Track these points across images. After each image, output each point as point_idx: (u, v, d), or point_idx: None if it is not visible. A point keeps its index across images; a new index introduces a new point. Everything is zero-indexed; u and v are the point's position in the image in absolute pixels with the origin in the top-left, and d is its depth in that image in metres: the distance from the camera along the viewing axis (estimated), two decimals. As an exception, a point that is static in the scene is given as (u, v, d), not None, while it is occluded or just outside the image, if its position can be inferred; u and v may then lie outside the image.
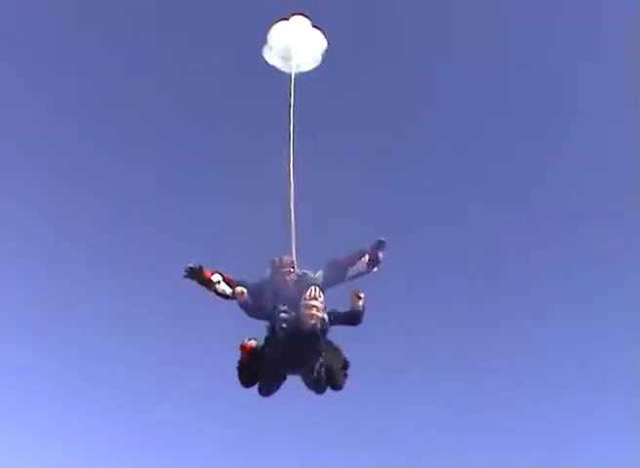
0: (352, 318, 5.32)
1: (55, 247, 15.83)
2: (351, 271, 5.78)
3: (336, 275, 5.75)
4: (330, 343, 5.41)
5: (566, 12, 15.15)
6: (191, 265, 5.52)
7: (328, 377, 5.37)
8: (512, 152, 16.29)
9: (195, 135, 15.85)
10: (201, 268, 5.54)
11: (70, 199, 15.60)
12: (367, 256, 5.76)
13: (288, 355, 5.20)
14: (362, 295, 5.22)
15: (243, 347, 5.40)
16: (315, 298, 5.08)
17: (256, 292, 5.54)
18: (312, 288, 5.18)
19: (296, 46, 6.05)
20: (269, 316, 5.38)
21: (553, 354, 15.12)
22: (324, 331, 5.23)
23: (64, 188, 15.68)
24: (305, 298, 5.08)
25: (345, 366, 5.51)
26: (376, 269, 5.80)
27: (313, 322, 5.06)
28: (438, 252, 15.93)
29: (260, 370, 5.38)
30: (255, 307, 5.49)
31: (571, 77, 15.49)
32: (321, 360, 5.29)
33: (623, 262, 14.99)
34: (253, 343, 5.45)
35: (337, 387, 5.49)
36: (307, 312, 5.04)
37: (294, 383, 5.48)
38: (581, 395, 14.86)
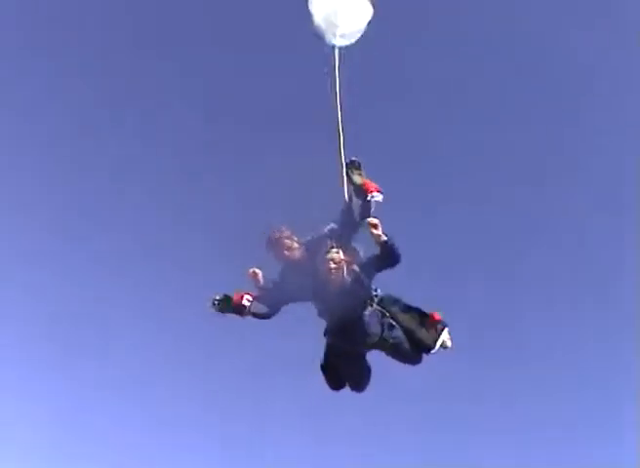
0: (383, 257, 4.72)
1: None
2: (356, 209, 5.10)
3: (347, 220, 5.09)
4: (394, 301, 4.94)
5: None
6: (217, 297, 4.94)
7: (411, 340, 4.81)
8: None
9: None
10: (228, 298, 4.96)
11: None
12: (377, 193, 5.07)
13: (342, 328, 4.76)
14: (375, 222, 4.64)
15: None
16: (327, 252, 4.73)
17: (274, 288, 5.09)
18: (328, 245, 4.82)
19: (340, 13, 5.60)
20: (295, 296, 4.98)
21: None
22: (361, 284, 4.77)
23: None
24: (325, 256, 4.73)
25: (431, 320, 4.89)
26: (378, 197, 4.99)
27: (334, 276, 4.69)
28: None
29: (336, 364, 4.93)
30: (277, 299, 5.07)
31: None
32: (389, 321, 4.80)
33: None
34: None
35: (428, 348, 4.83)
36: (325, 269, 4.70)
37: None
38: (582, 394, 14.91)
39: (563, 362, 15.05)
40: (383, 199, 4.96)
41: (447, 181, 16.33)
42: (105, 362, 14.81)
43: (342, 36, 5.66)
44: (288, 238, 5.06)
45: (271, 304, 5.06)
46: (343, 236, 5.01)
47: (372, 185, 4.99)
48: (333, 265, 4.69)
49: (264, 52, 15.84)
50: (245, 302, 4.89)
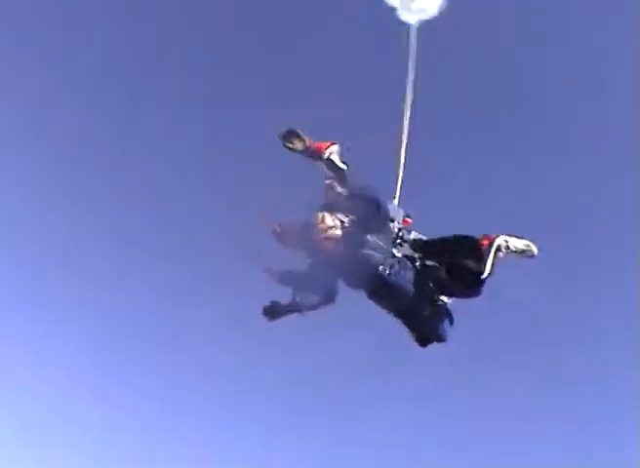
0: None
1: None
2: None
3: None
4: (424, 242, 4.77)
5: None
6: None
7: (456, 273, 4.53)
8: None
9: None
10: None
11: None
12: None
13: (374, 291, 4.64)
14: (332, 149, 4.62)
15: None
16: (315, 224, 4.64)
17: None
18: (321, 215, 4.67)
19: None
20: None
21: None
22: (361, 240, 4.57)
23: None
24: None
25: (480, 245, 4.49)
26: (334, 150, 4.70)
27: (328, 244, 4.58)
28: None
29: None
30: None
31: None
32: (420, 264, 4.64)
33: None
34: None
35: (478, 273, 4.41)
36: (319, 240, 4.60)
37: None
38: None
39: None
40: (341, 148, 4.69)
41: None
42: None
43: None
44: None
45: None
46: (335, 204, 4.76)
47: (320, 144, 4.65)
48: (323, 234, 4.58)
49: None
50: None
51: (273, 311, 4.86)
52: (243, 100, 16.14)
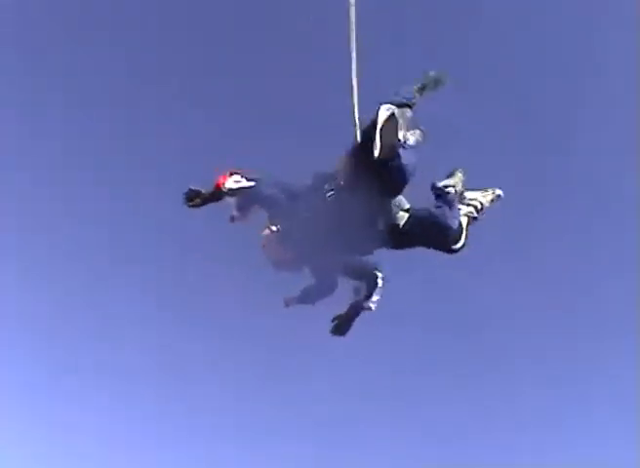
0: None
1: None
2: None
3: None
4: None
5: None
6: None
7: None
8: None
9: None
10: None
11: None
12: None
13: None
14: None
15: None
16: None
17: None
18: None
19: None
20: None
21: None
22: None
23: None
24: None
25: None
26: None
27: (269, 253, 4.33)
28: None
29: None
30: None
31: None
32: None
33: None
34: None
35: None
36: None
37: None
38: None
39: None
40: None
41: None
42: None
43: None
44: None
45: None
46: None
47: (217, 182, 4.45)
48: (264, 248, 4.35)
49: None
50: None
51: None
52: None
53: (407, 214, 4.26)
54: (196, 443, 14.91)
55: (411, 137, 4.24)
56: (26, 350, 14.98)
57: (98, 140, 15.25)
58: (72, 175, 15.49)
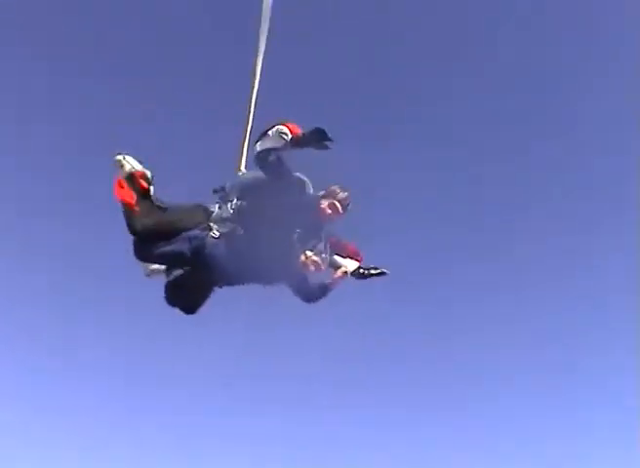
0: (317, 292, 4.87)
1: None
2: (335, 260, 4.99)
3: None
4: None
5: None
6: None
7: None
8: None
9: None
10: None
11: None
12: (357, 264, 5.04)
13: (244, 261, 4.36)
14: (347, 275, 4.95)
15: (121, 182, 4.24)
16: (325, 261, 4.71)
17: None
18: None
19: None
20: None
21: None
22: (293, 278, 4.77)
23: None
24: (325, 253, 4.69)
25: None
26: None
27: (309, 271, 4.65)
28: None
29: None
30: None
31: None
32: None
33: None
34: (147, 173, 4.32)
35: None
36: (316, 262, 4.62)
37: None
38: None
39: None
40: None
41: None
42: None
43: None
44: (346, 206, 4.71)
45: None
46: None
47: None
48: (319, 265, 4.65)
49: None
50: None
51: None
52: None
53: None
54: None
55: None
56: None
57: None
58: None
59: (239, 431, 14.31)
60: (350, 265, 4.97)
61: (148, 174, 4.31)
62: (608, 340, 14.77)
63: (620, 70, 14.50)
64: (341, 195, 4.60)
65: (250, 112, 5.01)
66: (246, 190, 4.55)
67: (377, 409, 14.57)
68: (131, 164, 4.31)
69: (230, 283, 4.54)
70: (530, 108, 16.37)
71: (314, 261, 4.57)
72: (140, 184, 4.22)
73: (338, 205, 4.57)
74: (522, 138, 15.94)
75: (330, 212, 4.58)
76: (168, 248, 4.22)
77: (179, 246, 4.23)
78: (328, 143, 4.10)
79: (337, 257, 4.95)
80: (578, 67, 15.66)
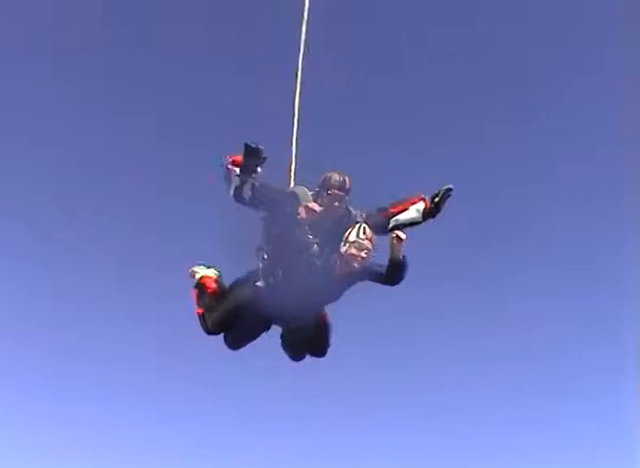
0: (390, 272, 4.21)
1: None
2: (398, 219, 4.41)
3: (379, 220, 4.43)
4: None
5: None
6: (258, 146, 4.00)
7: (315, 339, 4.57)
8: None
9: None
10: (262, 156, 4.03)
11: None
12: (422, 204, 4.40)
13: (296, 297, 4.20)
14: (404, 237, 4.13)
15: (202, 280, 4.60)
16: (370, 240, 4.14)
17: (274, 203, 4.26)
18: (364, 226, 4.19)
19: None
20: (294, 243, 4.23)
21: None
22: (354, 280, 4.32)
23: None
24: (359, 236, 4.13)
25: (322, 319, 4.58)
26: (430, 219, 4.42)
27: (357, 266, 4.14)
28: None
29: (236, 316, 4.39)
30: (282, 229, 4.29)
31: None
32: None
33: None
34: (213, 275, 4.65)
35: (321, 352, 4.65)
36: (357, 253, 4.12)
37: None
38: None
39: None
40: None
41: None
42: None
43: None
44: (348, 192, 4.32)
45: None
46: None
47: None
48: (364, 255, 4.15)
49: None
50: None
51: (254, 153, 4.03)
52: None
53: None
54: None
55: None
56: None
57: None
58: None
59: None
60: (409, 216, 4.34)
61: (215, 276, 4.68)
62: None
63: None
64: (335, 179, 4.23)
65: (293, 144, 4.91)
66: (263, 236, 4.42)
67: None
68: (200, 272, 4.70)
69: (292, 322, 4.49)
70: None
71: (352, 256, 4.13)
72: (207, 288, 4.59)
73: (335, 193, 4.21)
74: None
75: (329, 204, 4.24)
76: (245, 330, 4.46)
77: (249, 320, 4.39)
78: (254, 147, 3.94)
79: (400, 216, 4.37)
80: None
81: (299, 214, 4.18)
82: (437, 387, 14.92)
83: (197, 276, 4.66)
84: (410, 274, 4.27)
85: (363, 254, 4.13)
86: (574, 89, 15.84)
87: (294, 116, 4.93)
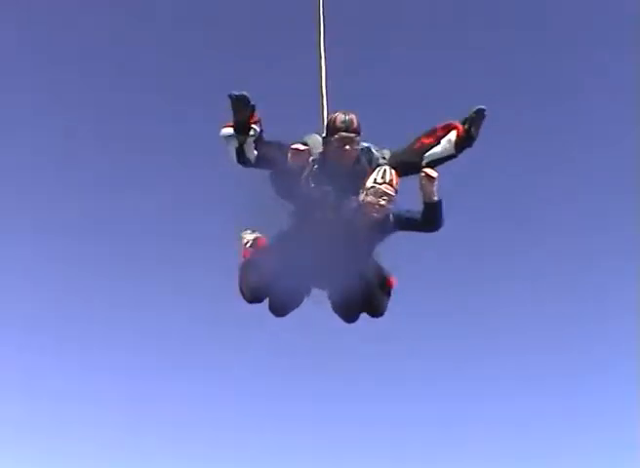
0: (426, 216, 3.74)
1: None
2: (430, 154, 3.88)
3: (407, 158, 3.91)
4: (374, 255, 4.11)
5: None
6: (242, 93, 3.54)
7: (366, 297, 3.98)
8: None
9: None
10: (250, 104, 3.58)
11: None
12: (455, 132, 3.85)
13: (322, 256, 3.75)
14: (435, 175, 3.63)
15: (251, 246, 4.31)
16: (390, 184, 3.63)
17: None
18: (385, 168, 3.68)
19: None
20: (304, 197, 3.77)
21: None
22: (384, 231, 3.82)
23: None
24: (376, 181, 3.63)
25: (388, 285, 4.05)
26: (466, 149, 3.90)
27: (377, 216, 3.67)
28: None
29: (273, 280, 3.94)
30: (287, 184, 3.79)
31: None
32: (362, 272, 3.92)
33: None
34: (261, 238, 4.35)
35: (376, 312, 4.07)
36: (374, 200, 3.63)
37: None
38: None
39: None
40: None
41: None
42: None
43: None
44: (358, 132, 3.77)
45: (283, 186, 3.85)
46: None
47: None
48: (385, 202, 3.64)
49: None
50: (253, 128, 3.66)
51: (240, 104, 3.58)
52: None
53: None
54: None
55: None
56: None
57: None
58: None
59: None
60: (442, 151, 3.84)
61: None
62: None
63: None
64: (340, 119, 3.71)
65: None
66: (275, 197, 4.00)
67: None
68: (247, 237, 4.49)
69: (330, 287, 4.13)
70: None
71: (369, 204, 3.65)
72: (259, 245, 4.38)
73: (342, 135, 3.69)
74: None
75: (339, 149, 3.72)
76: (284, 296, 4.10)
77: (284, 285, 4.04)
78: (237, 94, 3.53)
79: (431, 152, 3.85)
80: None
81: (287, 159, 3.70)
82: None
83: (248, 237, 4.42)
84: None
85: (382, 202, 3.63)
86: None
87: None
